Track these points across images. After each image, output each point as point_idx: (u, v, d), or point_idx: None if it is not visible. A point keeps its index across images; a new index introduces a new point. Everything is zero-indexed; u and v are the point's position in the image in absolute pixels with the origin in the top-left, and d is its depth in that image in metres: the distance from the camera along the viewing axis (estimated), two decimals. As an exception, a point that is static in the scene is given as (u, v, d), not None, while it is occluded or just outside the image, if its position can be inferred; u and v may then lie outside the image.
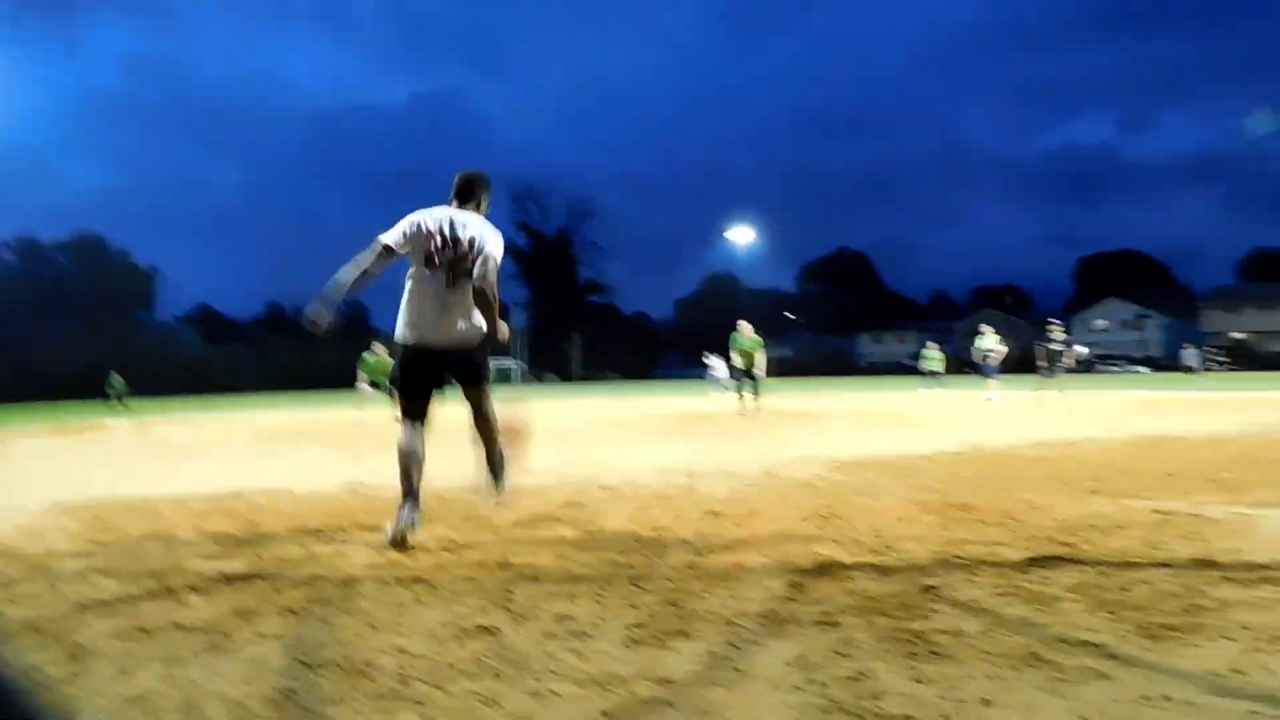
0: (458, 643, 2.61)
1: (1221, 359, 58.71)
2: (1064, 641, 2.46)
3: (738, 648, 2.50)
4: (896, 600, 2.92)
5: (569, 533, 4.34)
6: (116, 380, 31.11)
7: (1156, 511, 4.49)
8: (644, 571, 3.46)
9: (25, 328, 52.25)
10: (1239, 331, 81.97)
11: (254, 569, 3.68)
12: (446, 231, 4.26)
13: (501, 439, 4.56)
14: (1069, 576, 3.19)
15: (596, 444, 9.82)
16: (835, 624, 2.69)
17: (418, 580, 3.41)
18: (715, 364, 30.40)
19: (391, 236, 4.25)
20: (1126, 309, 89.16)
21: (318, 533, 4.52)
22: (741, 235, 56.02)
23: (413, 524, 4.11)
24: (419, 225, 4.26)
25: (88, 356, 44.74)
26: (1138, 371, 64.17)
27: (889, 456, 7.57)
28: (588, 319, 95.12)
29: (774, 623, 2.73)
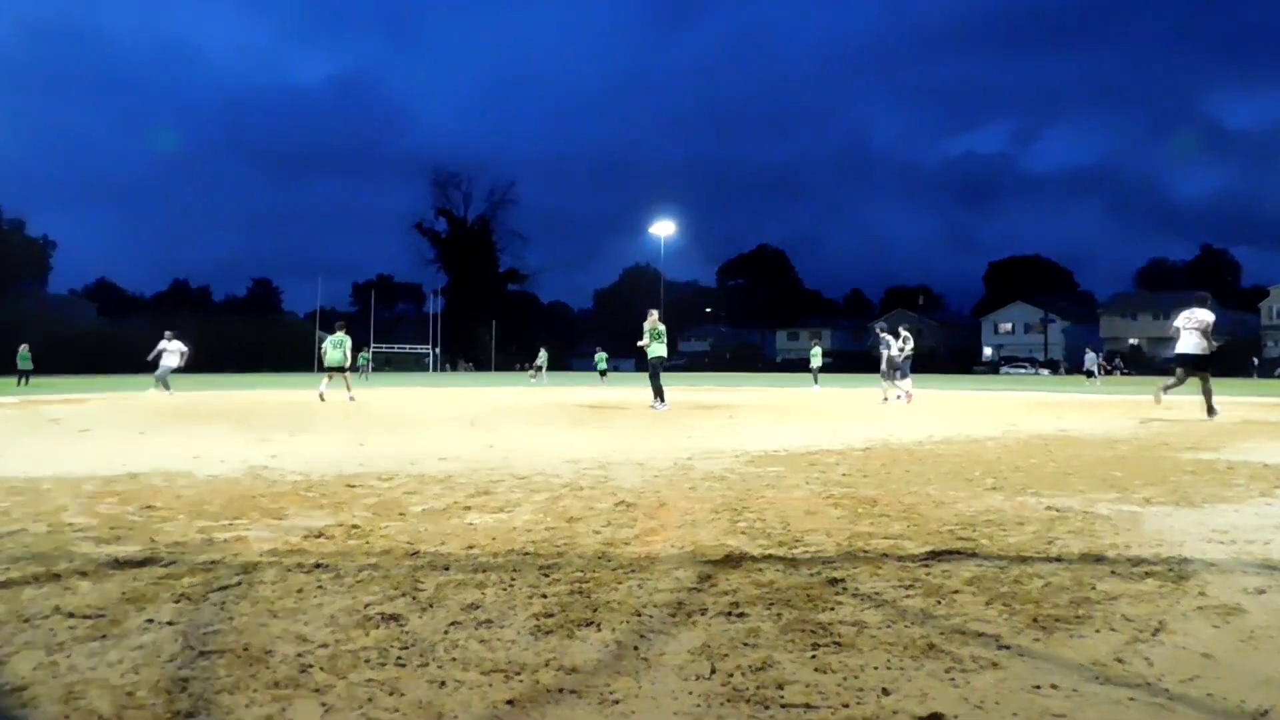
0: (360, 630, 2.56)
1: (1118, 364, 61.35)
2: (960, 633, 2.54)
3: (645, 637, 2.51)
4: (803, 592, 2.97)
5: (479, 521, 4.30)
6: (26, 354, 29.22)
7: (1051, 508, 4.68)
8: (553, 561, 3.44)
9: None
10: (1135, 338, 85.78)
11: (148, 554, 3.54)
12: (1189, 314, 12.20)
13: (1210, 393, 12.20)
14: (967, 570, 3.29)
15: (509, 433, 9.75)
16: (742, 614, 2.71)
17: (321, 567, 3.33)
18: (171, 349, 21.76)
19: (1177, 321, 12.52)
20: (1031, 312, 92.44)
21: (217, 517, 4.37)
22: (664, 229, 56.25)
23: None
24: (1182, 315, 12.36)
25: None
26: (1040, 373, 66.67)
27: (799, 450, 7.71)
28: (506, 307, 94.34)
29: (682, 613, 2.75)
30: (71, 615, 2.70)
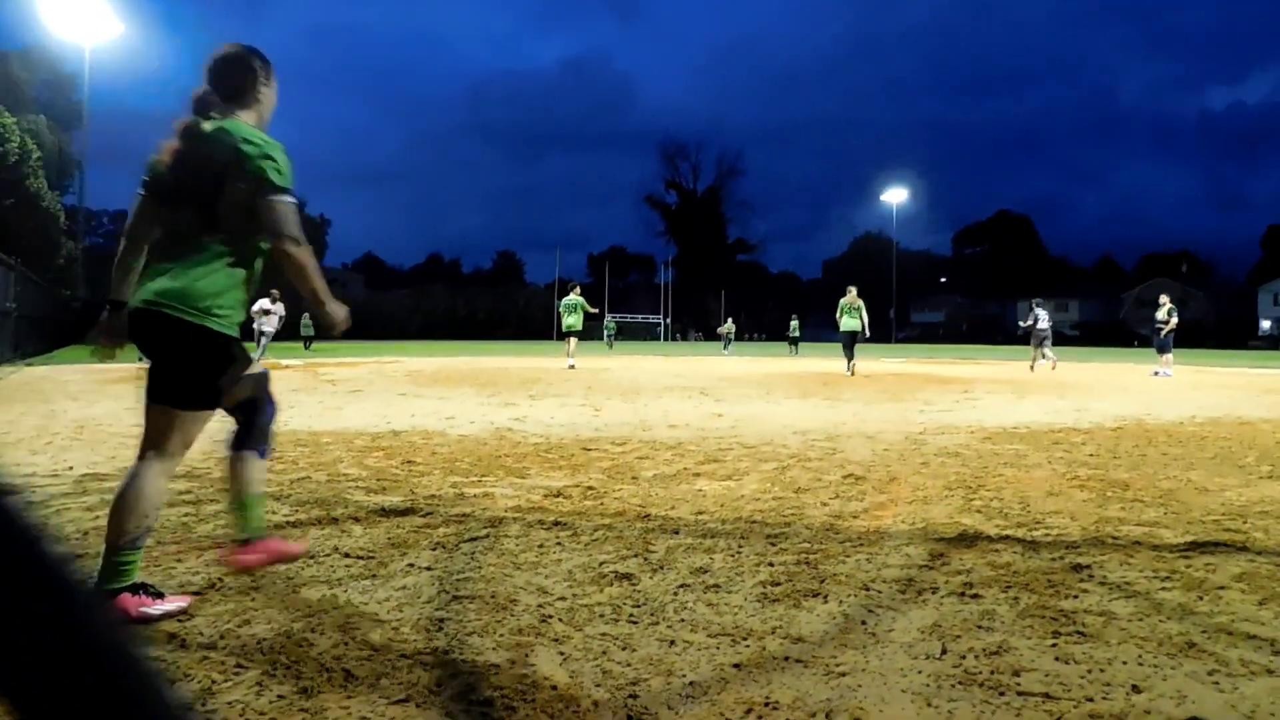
0: (595, 587, 2.70)
1: None
2: (1226, 633, 2.33)
3: (873, 612, 2.48)
4: (1043, 576, 2.82)
5: (708, 488, 4.39)
6: (309, 322, 32.62)
7: (1343, 502, 4.14)
8: (781, 530, 3.46)
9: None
10: None
11: (408, 504, 3.90)
12: None
13: None
14: (1236, 565, 3.00)
15: (738, 402, 9.81)
16: (976, 596, 2.62)
17: (560, 525, 3.53)
18: (274, 311, 20.29)
19: None
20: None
21: (467, 474, 4.73)
22: (896, 195, 54.24)
23: None
24: None
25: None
26: (1333, 350, 58.68)
27: (1041, 427, 7.26)
28: (734, 277, 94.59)
29: (912, 590, 2.69)
30: (347, 555, 3.03)
